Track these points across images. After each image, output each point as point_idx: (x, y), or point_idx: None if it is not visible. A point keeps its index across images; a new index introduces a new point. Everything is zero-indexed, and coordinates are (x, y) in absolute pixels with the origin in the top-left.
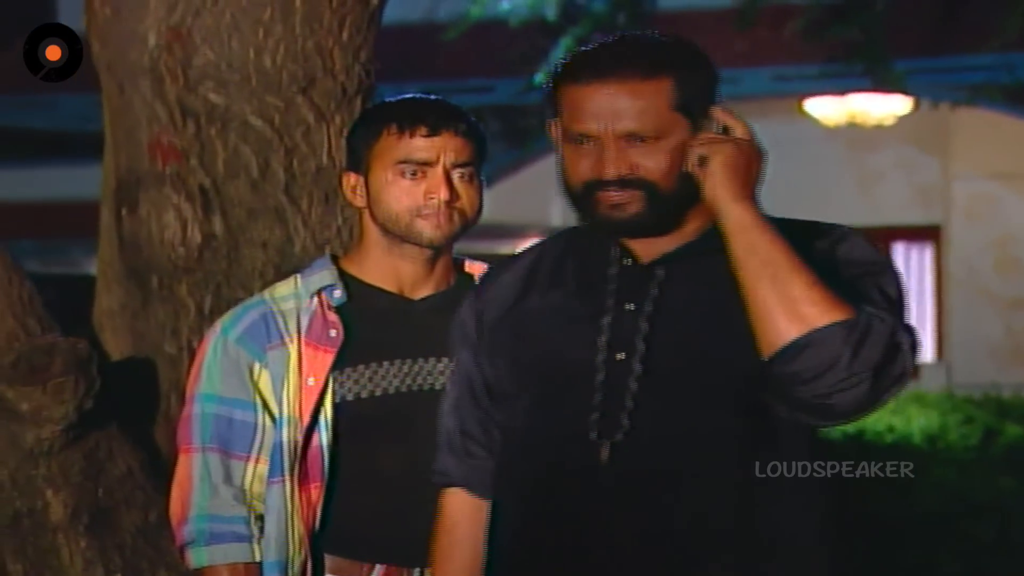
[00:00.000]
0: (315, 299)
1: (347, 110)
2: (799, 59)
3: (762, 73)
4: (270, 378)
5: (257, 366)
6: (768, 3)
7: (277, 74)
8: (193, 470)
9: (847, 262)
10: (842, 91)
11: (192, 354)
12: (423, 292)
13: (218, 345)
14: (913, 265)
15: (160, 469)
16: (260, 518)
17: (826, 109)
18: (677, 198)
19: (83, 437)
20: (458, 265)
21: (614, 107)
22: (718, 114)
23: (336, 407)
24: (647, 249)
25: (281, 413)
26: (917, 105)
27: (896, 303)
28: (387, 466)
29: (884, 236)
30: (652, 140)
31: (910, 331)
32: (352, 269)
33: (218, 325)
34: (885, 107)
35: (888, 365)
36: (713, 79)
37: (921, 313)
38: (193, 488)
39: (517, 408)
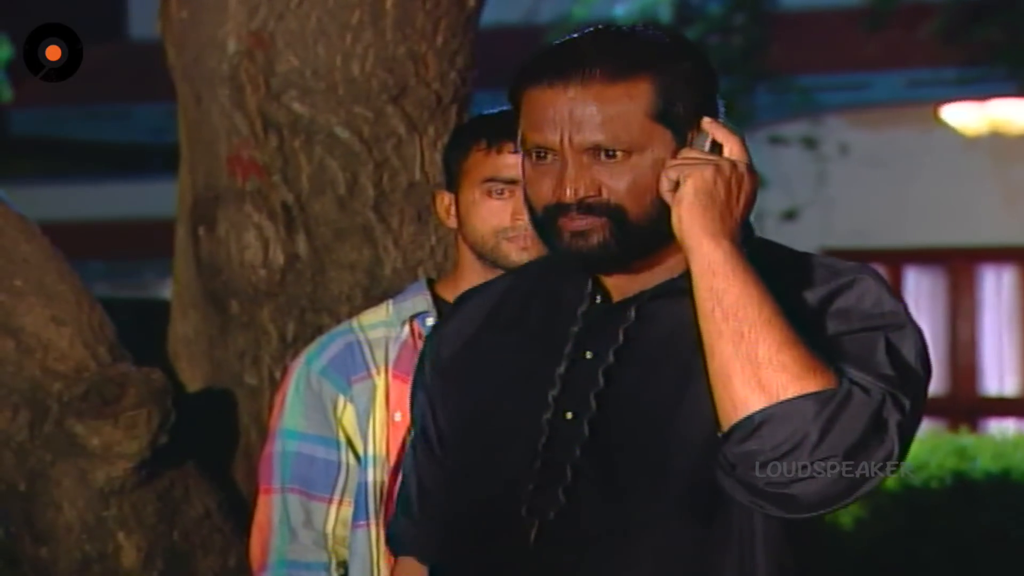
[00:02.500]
0: (407, 327)
1: (441, 120)
2: (936, 62)
3: (895, 78)
4: (355, 413)
5: (341, 400)
6: (902, 2)
7: (366, 82)
8: (273, 512)
9: (851, 313)
10: (983, 97)
11: (274, 385)
12: None
13: (301, 377)
14: None
15: (240, 510)
16: (343, 564)
17: (965, 117)
18: (652, 227)
19: (157, 475)
20: None
21: (576, 115)
22: (709, 126)
23: None
24: (623, 285)
25: (366, 451)
26: None
27: (908, 369)
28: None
29: None
30: (623, 156)
31: (903, 405)
32: (447, 294)
33: (302, 355)
34: None
35: (867, 448)
36: (707, 81)
37: None
38: (272, 532)
39: (451, 466)
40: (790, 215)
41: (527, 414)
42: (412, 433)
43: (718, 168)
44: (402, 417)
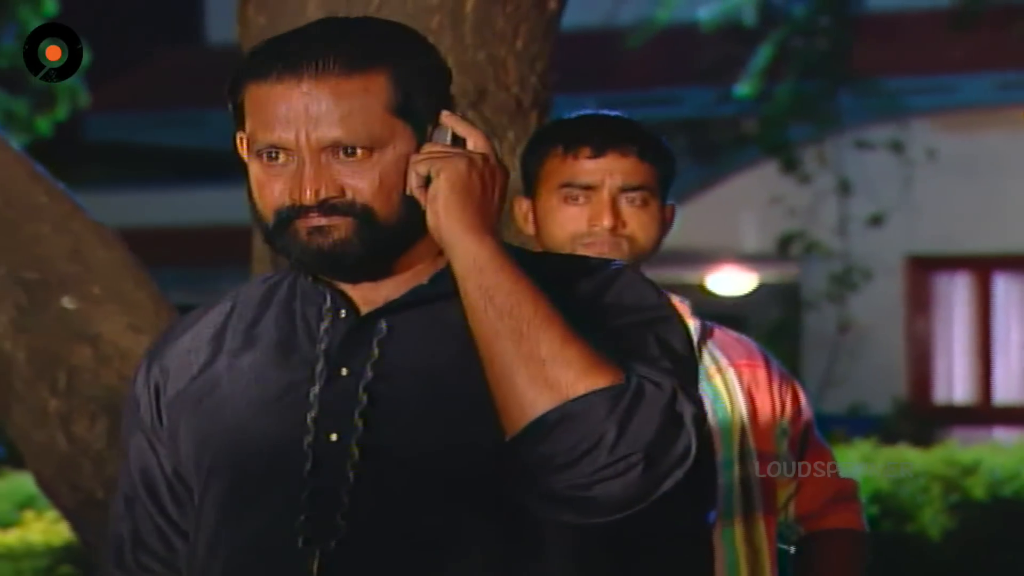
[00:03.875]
0: None
1: (521, 125)
2: None
3: (983, 80)
4: None
5: None
6: (991, 2)
7: None
8: None
9: (617, 308)
10: None
11: None
12: None
13: None
14: None
15: None
16: None
17: None
18: (401, 228)
19: None
20: None
21: (312, 111)
22: (449, 120)
23: None
24: (368, 296)
25: None
26: None
27: (682, 360)
28: None
29: None
30: (364, 153)
31: (694, 397)
32: None
33: None
34: None
35: (666, 443)
36: (442, 74)
37: None
38: None
39: (205, 508)
40: (876, 220)
41: (284, 440)
42: (121, 478)
43: (471, 161)
44: None
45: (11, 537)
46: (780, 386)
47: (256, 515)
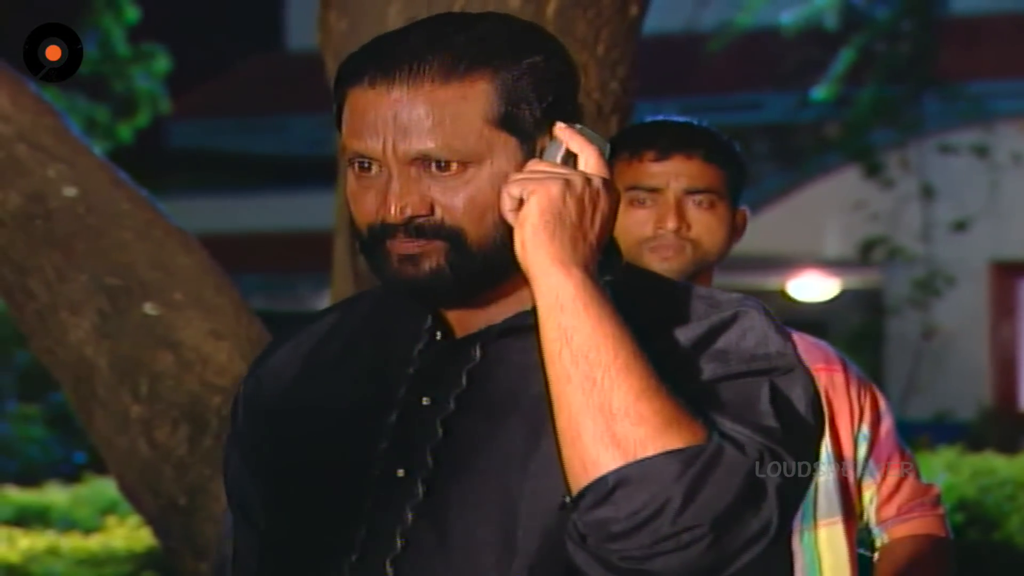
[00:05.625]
0: None
1: (601, 131)
2: None
3: None
4: None
5: None
6: None
7: None
8: None
9: (730, 354)
10: None
11: None
12: None
13: None
14: None
15: None
16: None
17: None
18: (496, 254)
19: None
20: None
21: (401, 119)
22: (563, 133)
23: None
24: (467, 320)
25: None
26: None
27: (796, 420)
28: None
29: None
30: (458, 167)
31: (785, 464)
32: None
33: None
34: None
35: (740, 515)
36: (561, 79)
37: None
38: None
39: (267, 531)
40: (960, 226)
41: (352, 471)
42: (227, 496)
43: (568, 183)
44: None
45: (94, 542)
46: (859, 390)
47: (310, 549)
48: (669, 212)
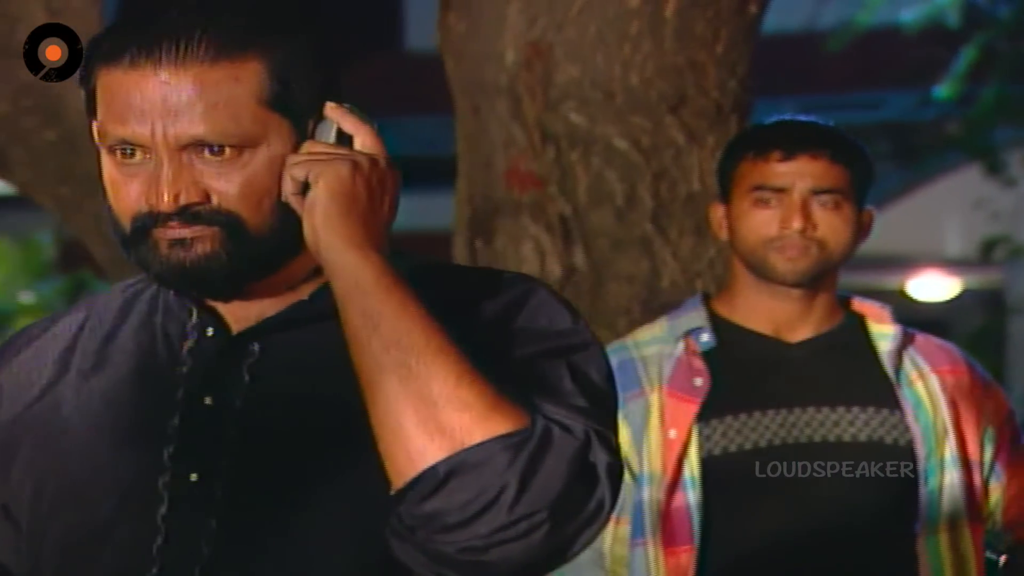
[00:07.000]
0: (681, 343)
1: (721, 130)
2: None
3: None
4: (629, 431)
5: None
6: None
7: (645, 92)
8: None
9: (529, 333)
10: None
11: None
12: (802, 335)
13: None
14: None
15: None
16: None
17: None
18: (275, 240)
19: None
20: (844, 303)
21: (170, 103)
22: (334, 113)
23: (703, 462)
24: (241, 313)
25: (642, 469)
26: None
27: (600, 397)
28: (763, 529)
29: None
30: (232, 152)
31: (610, 443)
32: (723, 310)
33: None
34: None
35: (575, 499)
36: (328, 58)
37: None
38: None
39: (45, 552)
40: None
41: (137, 478)
42: None
43: (356, 164)
44: (677, 435)
45: None
46: (985, 392)
47: (103, 564)
48: (795, 212)
